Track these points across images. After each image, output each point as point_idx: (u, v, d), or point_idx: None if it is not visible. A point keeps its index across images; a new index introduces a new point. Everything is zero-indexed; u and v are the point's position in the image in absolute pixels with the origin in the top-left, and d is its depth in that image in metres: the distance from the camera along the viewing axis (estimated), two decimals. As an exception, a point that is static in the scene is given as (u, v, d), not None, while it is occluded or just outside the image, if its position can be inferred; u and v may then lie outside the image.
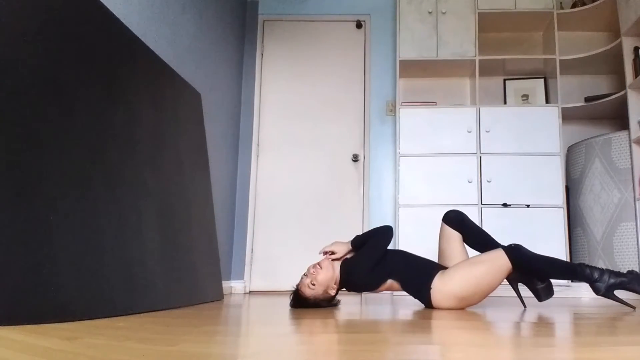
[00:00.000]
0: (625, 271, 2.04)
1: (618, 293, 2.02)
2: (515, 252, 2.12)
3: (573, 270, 2.08)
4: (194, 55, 3.15)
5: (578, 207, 3.54)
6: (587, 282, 2.06)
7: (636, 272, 2.04)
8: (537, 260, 2.11)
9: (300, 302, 2.26)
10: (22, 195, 1.43)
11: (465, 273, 2.14)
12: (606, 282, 2.02)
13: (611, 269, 2.17)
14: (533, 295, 2.20)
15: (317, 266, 2.27)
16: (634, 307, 2.10)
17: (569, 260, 2.12)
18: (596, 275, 2.03)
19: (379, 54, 4.20)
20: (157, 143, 2.41)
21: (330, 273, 2.27)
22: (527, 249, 2.15)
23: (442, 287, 2.15)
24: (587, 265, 2.06)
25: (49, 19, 1.70)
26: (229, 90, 3.87)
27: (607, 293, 2.03)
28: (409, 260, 2.32)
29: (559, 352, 1.03)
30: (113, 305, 1.71)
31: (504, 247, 2.16)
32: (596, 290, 2.04)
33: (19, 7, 1.56)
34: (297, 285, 2.30)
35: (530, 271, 2.14)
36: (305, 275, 2.30)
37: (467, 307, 2.22)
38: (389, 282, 2.28)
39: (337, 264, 2.32)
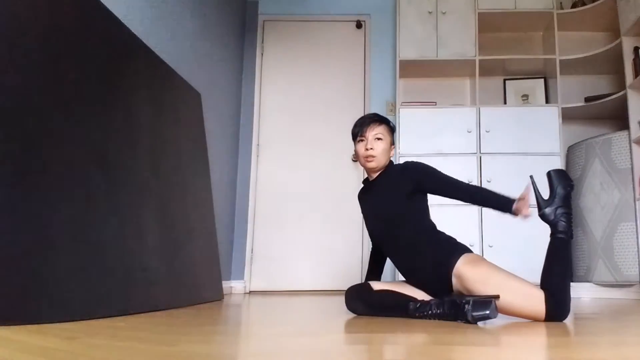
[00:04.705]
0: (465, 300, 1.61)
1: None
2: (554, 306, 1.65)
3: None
4: (194, 55, 3.15)
5: (578, 207, 3.54)
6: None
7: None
8: None
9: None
10: (22, 196, 1.43)
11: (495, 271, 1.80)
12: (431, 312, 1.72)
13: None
14: None
15: (371, 148, 2.02)
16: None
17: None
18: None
19: (379, 54, 4.20)
20: (157, 143, 2.41)
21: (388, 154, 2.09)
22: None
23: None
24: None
25: (49, 18, 1.70)
26: (229, 90, 3.86)
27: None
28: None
29: (559, 351, 1.03)
30: (113, 305, 1.71)
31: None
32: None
33: (19, 7, 1.56)
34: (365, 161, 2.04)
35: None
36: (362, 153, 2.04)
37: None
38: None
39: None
